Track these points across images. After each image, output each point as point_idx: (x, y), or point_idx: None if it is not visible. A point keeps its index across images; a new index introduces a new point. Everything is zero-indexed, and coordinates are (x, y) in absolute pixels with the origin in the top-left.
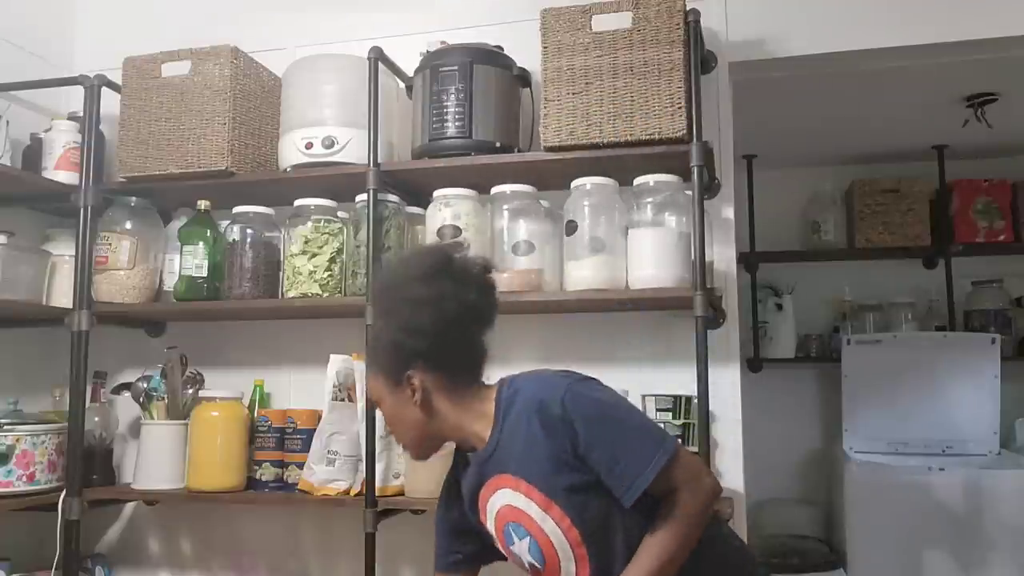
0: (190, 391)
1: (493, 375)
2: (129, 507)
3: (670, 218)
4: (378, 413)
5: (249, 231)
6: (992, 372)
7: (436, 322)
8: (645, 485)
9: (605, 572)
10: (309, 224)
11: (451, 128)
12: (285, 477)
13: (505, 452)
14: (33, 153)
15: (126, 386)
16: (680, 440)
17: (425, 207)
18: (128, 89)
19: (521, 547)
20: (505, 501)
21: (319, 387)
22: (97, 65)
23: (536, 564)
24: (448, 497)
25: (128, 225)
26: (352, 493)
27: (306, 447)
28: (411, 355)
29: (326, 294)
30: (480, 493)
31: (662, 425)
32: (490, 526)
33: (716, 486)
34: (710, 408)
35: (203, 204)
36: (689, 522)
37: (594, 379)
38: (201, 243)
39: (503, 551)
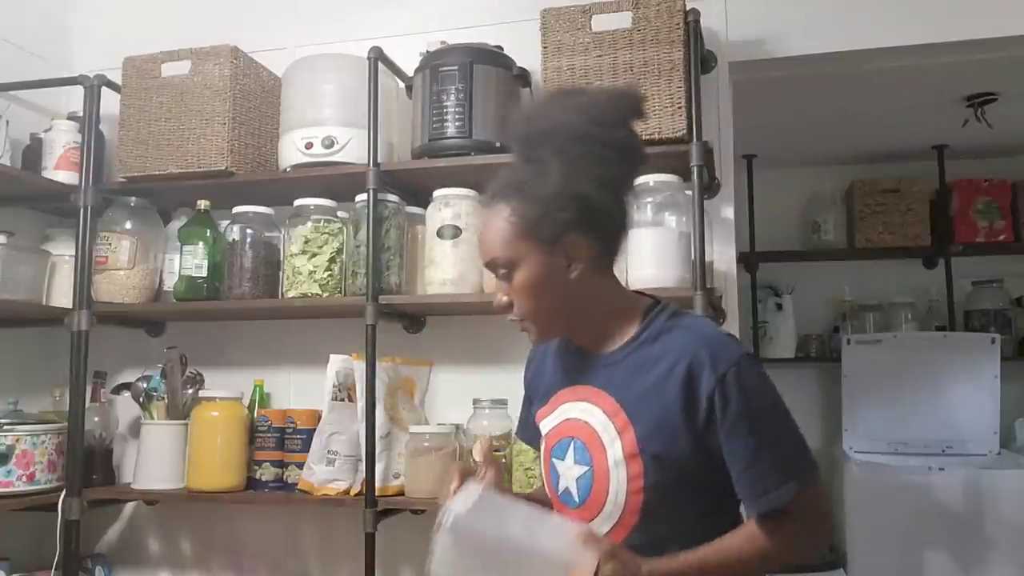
0: (190, 391)
1: (494, 376)
2: (129, 507)
3: (670, 218)
4: (379, 412)
5: (249, 231)
6: (992, 372)
7: (616, 170)
8: (787, 498)
9: (634, 548)
10: (309, 224)
11: (451, 128)
12: (285, 477)
13: (626, 373)
14: (33, 153)
15: (126, 386)
16: None
17: (425, 207)
18: (128, 89)
19: (570, 469)
20: (587, 418)
21: (319, 387)
22: (97, 65)
23: (573, 495)
24: (530, 365)
25: (128, 225)
26: (352, 493)
27: (306, 447)
28: (582, 211)
29: (326, 294)
30: (563, 388)
31: None
32: (547, 424)
33: (828, 538)
34: None
35: (203, 204)
36: (784, 552)
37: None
38: (201, 243)
39: (540, 453)
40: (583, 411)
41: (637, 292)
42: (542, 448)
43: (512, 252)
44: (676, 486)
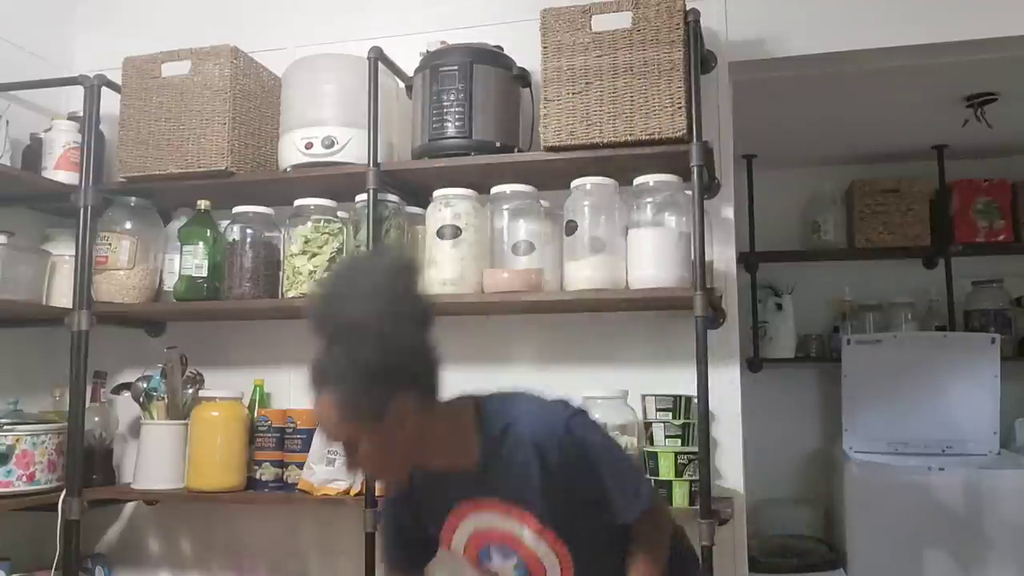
0: (190, 391)
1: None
2: (129, 507)
3: (670, 218)
4: None
5: (249, 231)
6: (992, 372)
7: (416, 331)
8: (646, 505)
9: None
10: (309, 224)
11: (451, 128)
12: (285, 477)
13: (495, 478)
14: (33, 153)
15: (126, 386)
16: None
17: (425, 207)
18: (128, 89)
19: (504, 566)
20: (489, 524)
21: None
22: (97, 65)
23: None
24: (399, 503)
25: (128, 225)
26: (352, 493)
27: (306, 447)
28: (396, 377)
29: None
30: (452, 509)
31: (661, 425)
32: (458, 542)
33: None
34: (710, 408)
35: (203, 204)
36: (665, 545)
37: (582, 410)
38: (201, 243)
39: (469, 565)
40: (481, 519)
41: (449, 399)
42: (463, 561)
43: (348, 434)
44: (591, 528)
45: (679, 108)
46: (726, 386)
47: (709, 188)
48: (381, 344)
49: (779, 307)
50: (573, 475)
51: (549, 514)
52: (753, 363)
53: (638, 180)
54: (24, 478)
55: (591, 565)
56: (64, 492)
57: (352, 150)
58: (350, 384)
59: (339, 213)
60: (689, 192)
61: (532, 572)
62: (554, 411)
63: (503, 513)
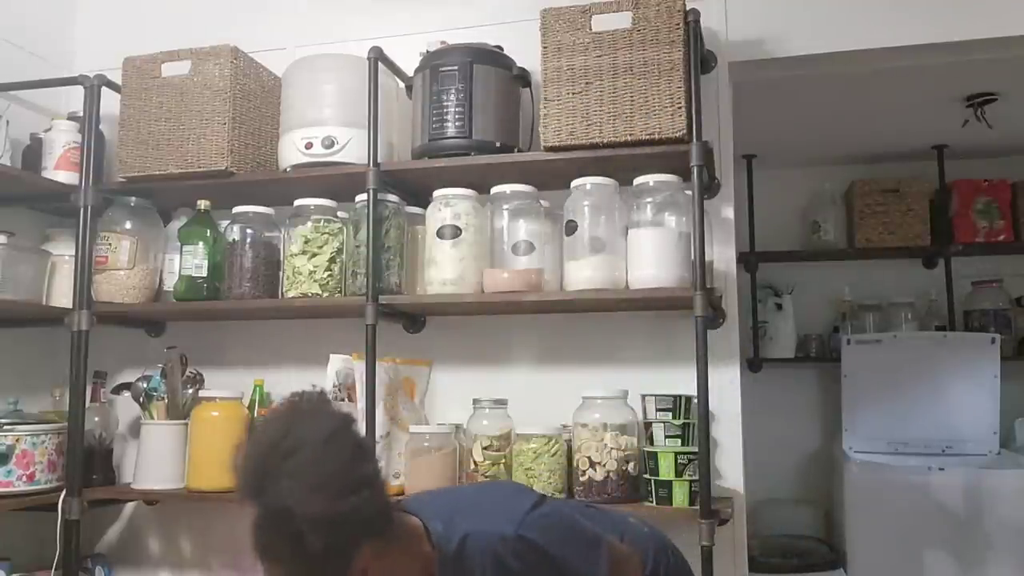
0: (190, 391)
1: (494, 376)
2: (129, 507)
3: (670, 218)
4: (379, 412)
5: (249, 231)
6: (992, 372)
7: (361, 492)
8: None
9: None
10: (309, 224)
11: (451, 128)
12: None
13: None
14: (33, 153)
15: (126, 386)
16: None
17: (425, 207)
18: (128, 89)
19: None
20: None
21: (319, 387)
22: (97, 65)
23: None
24: None
25: (128, 225)
26: None
27: None
28: (348, 545)
29: (326, 294)
30: None
31: (661, 425)
32: None
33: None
34: (710, 408)
35: (203, 204)
36: None
37: (535, 504)
38: (201, 243)
39: None
40: None
41: (401, 522)
42: None
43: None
44: None
45: (679, 108)
46: (726, 386)
47: (709, 188)
48: (327, 527)
49: (779, 307)
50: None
51: None
52: (753, 363)
53: (638, 180)
54: (24, 478)
55: None
56: (64, 492)
57: (352, 150)
58: (305, 566)
59: (339, 213)
60: (689, 192)
61: None
62: (505, 514)
63: None
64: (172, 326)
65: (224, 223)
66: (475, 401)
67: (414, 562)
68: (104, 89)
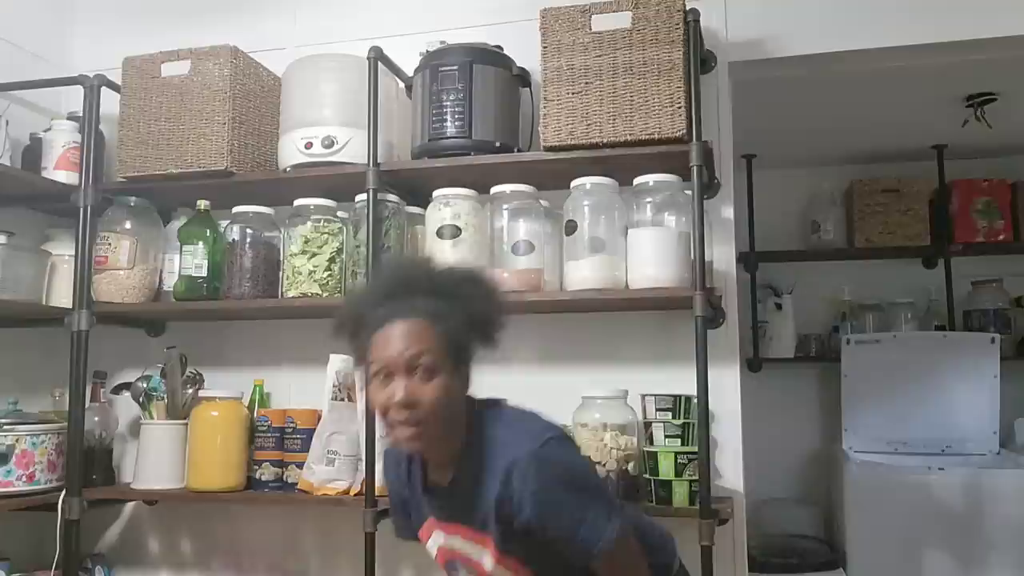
0: (190, 391)
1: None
2: (129, 507)
3: (670, 218)
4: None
5: (249, 231)
6: (992, 372)
7: (496, 324)
8: (607, 546)
9: None
10: (309, 224)
11: (451, 128)
12: (285, 477)
13: (460, 503)
14: (33, 153)
15: (126, 386)
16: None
17: (425, 207)
18: (128, 89)
19: None
20: (453, 545)
21: (319, 387)
22: (97, 65)
23: None
24: (398, 479)
25: (128, 225)
26: (352, 493)
27: (306, 447)
28: (474, 346)
29: (326, 294)
30: (427, 519)
31: (661, 425)
32: (430, 547)
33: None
34: (710, 408)
35: (203, 204)
36: None
37: (555, 436)
38: (201, 243)
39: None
40: (448, 539)
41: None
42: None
43: (435, 359)
44: (553, 558)
45: (679, 108)
46: (726, 386)
47: (709, 188)
48: (487, 306)
49: (779, 307)
50: (527, 516)
51: (511, 544)
52: (753, 363)
53: (638, 180)
54: (24, 478)
55: None
56: (64, 492)
57: (352, 150)
58: (456, 327)
59: (339, 213)
60: (689, 192)
61: None
62: (526, 437)
63: (466, 538)
64: (172, 326)
65: (224, 223)
66: None
67: (454, 437)
68: (104, 89)
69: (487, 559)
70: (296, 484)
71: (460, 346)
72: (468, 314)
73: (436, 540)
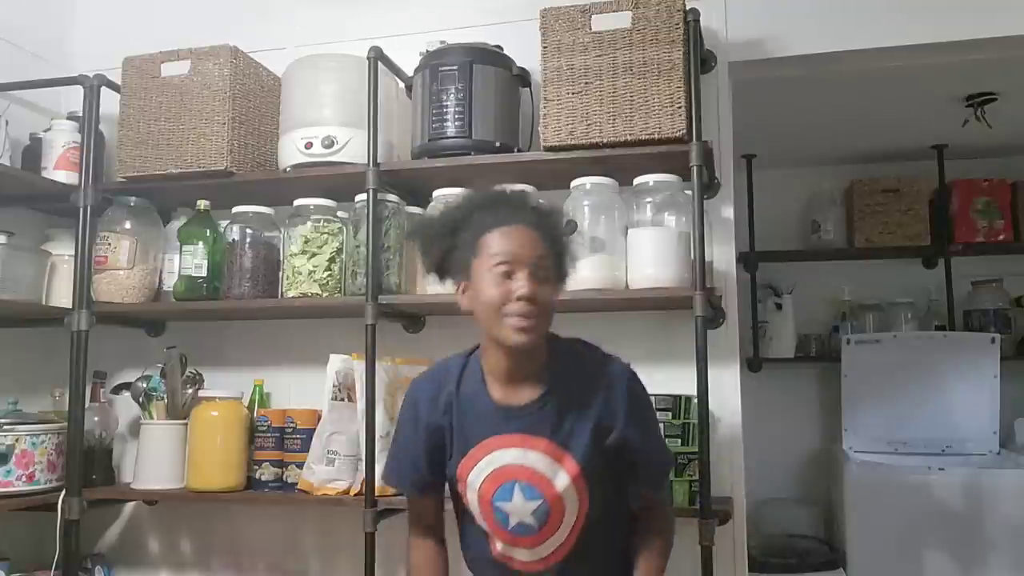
0: (190, 391)
1: None
2: (129, 507)
3: (670, 218)
4: (379, 412)
5: (249, 231)
6: (992, 372)
7: (570, 261)
8: (661, 492)
9: (580, 555)
10: (309, 224)
11: (451, 128)
12: (285, 477)
13: (549, 417)
14: (33, 153)
15: (126, 386)
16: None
17: (425, 207)
18: (127, 89)
19: (523, 508)
20: (523, 461)
21: (319, 387)
22: (97, 65)
23: (531, 526)
24: (429, 430)
25: (128, 225)
26: (352, 493)
27: (306, 447)
28: (568, 264)
29: (326, 294)
30: (489, 438)
31: (662, 425)
32: (475, 476)
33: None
34: (710, 408)
35: (203, 204)
36: (670, 545)
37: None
38: (201, 243)
39: (470, 499)
40: (517, 456)
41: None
42: (473, 496)
43: (551, 267)
44: (604, 499)
45: (679, 108)
46: (726, 386)
47: (709, 188)
48: (568, 242)
49: (779, 307)
50: (624, 428)
51: (593, 461)
52: (753, 363)
53: (638, 180)
54: (24, 478)
55: (598, 526)
56: (64, 492)
57: (352, 150)
58: (556, 244)
59: (339, 213)
60: (689, 192)
61: (549, 522)
62: (614, 359)
63: (544, 453)
64: (172, 326)
65: (224, 223)
66: None
67: (539, 353)
68: (104, 89)
69: (561, 477)
70: (296, 484)
71: (559, 266)
72: (561, 242)
73: (489, 465)
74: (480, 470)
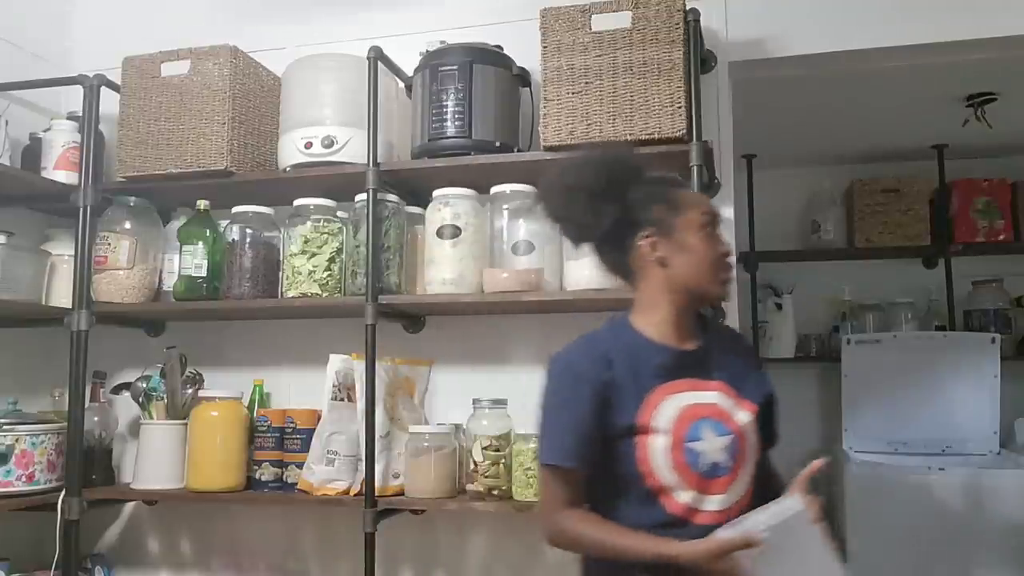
0: (189, 391)
1: (494, 375)
2: (129, 507)
3: None
4: (379, 412)
5: (248, 231)
6: (992, 372)
7: None
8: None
9: (746, 496)
10: (308, 224)
11: (451, 128)
12: (285, 477)
13: (714, 360)
14: (32, 153)
15: (125, 386)
16: None
17: (425, 207)
18: (127, 89)
19: (714, 444)
20: (706, 400)
21: (319, 387)
22: (96, 65)
23: (724, 464)
24: (595, 387)
25: (127, 225)
26: (352, 493)
27: (305, 447)
28: None
29: (325, 294)
30: (657, 386)
31: None
32: (665, 417)
33: None
34: None
35: (202, 204)
36: None
37: None
38: (200, 243)
39: (659, 449)
40: (698, 396)
41: None
42: (662, 443)
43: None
44: (760, 452)
45: (679, 108)
46: None
47: (709, 188)
48: None
49: (779, 307)
50: (767, 376)
51: (759, 404)
52: None
53: None
54: (24, 478)
55: (755, 483)
56: (64, 492)
57: (352, 150)
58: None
59: (339, 213)
60: None
61: (739, 458)
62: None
63: (722, 392)
64: (172, 326)
65: (224, 223)
66: (475, 401)
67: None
68: (103, 89)
69: (742, 413)
70: (296, 484)
71: None
72: None
73: (675, 404)
74: (665, 413)
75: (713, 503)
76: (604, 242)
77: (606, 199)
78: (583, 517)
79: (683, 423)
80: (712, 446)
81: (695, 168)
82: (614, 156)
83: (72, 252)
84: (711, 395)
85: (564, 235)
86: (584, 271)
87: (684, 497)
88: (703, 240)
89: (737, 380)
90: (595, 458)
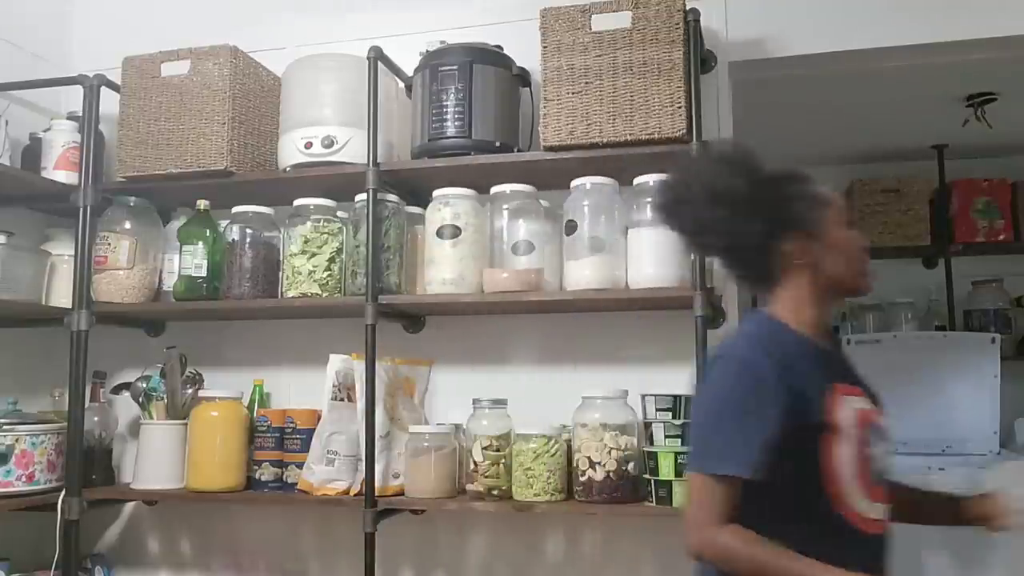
0: (189, 391)
1: (494, 375)
2: (129, 507)
3: None
4: (379, 412)
5: (248, 231)
6: (992, 372)
7: None
8: None
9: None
10: (308, 224)
11: (451, 128)
12: (285, 477)
13: (846, 361)
14: (32, 153)
15: (125, 386)
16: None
17: (425, 207)
18: (127, 89)
19: (882, 448)
20: (866, 406)
21: (319, 387)
22: (96, 65)
23: (887, 470)
24: (785, 385)
25: (127, 225)
26: (352, 493)
27: (305, 447)
28: None
29: (325, 294)
30: (835, 385)
31: (661, 425)
32: (846, 419)
33: None
34: None
35: (202, 204)
36: None
37: None
38: (200, 243)
39: (837, 457)
40: (859, 400)
41: None
42: (847, 447)
43: None
44: None
45: (679, 108)
46: None
47: None
48: None
49: None
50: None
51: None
52: None
53: (638, 180)
54: (24, 478)
55: None
56: (64, 492)
57: (352, 150)
58: None
59: (339, 213)
60: None
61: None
62: None
63: (865, 397)
64: (172, 326)
65: (224, 223)
66: (475, 401)
67: None
68: (103, 89)
69: (883, 419)
70: (296, 484)
71: None
72: None
73: (853, 404)
74: (846, 415)
75: (880, 511)
76: (746, 248)
77: (756, 202)
78: (744, 534)
79: (861, 427)
80: (882, 452)
81: None
82: (743, 154)
83: (72, 252)
84: (863, 399)
85: (698, 247)
86: (584, 271)
87: (861, 505)
88: (850, 236)
89: (864, 382)
90: (767, 467)
